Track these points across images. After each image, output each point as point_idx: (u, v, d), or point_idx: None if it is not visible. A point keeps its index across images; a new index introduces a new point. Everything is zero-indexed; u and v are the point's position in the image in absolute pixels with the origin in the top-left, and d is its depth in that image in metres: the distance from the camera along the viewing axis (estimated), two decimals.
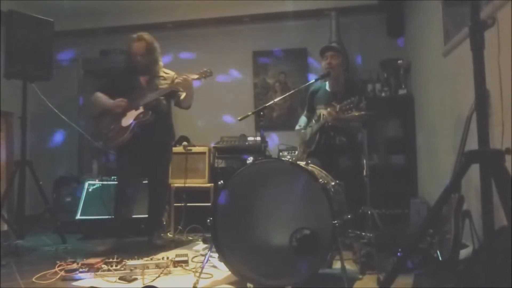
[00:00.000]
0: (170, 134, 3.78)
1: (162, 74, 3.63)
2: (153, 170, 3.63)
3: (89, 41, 5.62)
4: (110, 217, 3.75)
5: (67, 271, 2.56)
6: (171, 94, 3.57)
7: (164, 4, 5.14)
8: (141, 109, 3.43)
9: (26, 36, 3.66)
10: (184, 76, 3.41)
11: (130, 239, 3.77)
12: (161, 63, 3.66)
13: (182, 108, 3.68)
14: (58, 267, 2.63)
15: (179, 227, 4.16)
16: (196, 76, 3.43)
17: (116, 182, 3.77)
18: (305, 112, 3.76)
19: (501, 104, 2.07)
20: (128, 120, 3.42)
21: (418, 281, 2.26)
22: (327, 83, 3.60)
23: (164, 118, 3.62)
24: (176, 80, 3.45)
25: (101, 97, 3.54)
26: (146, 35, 3.57)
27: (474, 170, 1.62)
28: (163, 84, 3.56)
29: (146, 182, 3.73)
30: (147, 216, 3.76)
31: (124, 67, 3.71)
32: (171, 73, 3.67)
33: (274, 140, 4.79)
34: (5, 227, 3.82)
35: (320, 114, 3.41)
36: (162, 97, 3.53)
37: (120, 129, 3.43)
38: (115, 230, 3.51)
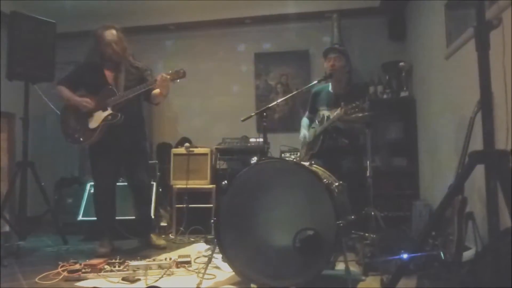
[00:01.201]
0: (142, 132, 3.62)
1: (131, 66, 3.49)
2: (132, 171, 3.54)
3: (89, 43, 5.62)
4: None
5: (70, 272, 2.55)
6: (144, 91, 3.37)
7: (166, 6, 5.15)
8: (109, 111, 3.29)
9: (28, 37, 3.66)
10: (163, 77, 3.18)
11: (129, 240, 3.77)
12: (130, 53, 3.51)
13: (153, 104, 3.57)
14: (60, 267, 2.62)
15: (181, 228, 4.16)
16: (169, 77, 3.20)
17: (94, 184, 3.64)
18: (307, 113, 3.76)
19: (506, 105, 2.08)
20: (96, 122, 3.29)
21: (422, 283, 2.26)
22: (329, 84, 3.60)
23: (135, 116, 3.49)
24: (158, 79, 3.20)
25: (64, 90, 3.39)
26: (114, 24, 3.45)
27: (477, 172, 1.62)
28: (132, 80, 3.41)
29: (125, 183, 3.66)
30: (134, 217, 3.69)
31: (90, 59, 3.49)
32: (140, 66, 3.53)
33: (275, 142, 4.77)
34: (7, 228, 3.82)
35: (323, 116, 3.41)
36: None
37: (86, 130, 3.31)
38: (107, 231, 3.45)
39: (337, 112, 3.12)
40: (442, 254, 2.49)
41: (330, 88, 3.58)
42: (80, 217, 4.20)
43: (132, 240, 3.78)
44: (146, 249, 3.47)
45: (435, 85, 3.84)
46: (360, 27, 5.12)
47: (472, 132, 2.51)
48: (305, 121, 3.73)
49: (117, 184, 3.59)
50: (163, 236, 4.10)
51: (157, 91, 3.34)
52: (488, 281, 1.59)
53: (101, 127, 3.28)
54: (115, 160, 3.44)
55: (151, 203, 3.90)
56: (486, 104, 1.58)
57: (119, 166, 3.52)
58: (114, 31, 3.41)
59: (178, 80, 3.24)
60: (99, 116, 3.30)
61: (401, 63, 4.60)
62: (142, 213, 3.64)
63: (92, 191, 4.30)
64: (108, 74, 3.42)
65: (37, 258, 3.28)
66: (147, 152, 3.74)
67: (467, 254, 2.46)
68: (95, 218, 3.57)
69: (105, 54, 3.40)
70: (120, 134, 3.33)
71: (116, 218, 3.60)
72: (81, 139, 3.32)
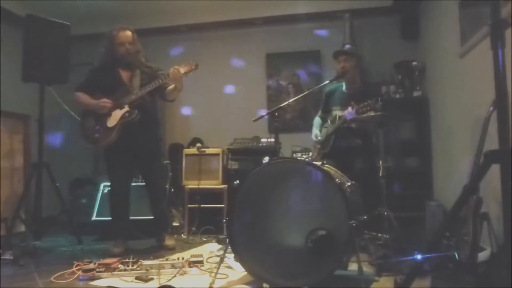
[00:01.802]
0: (158, 130, 3.67)
1: (145, 66, 3.53)
2: (147, 170, 3.58)
3: (104, 44, 5.68)
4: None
5: (84, 271, 2.58)
6: (158, 88, 3.41)
7: (177, 7, 5.18)
8: (126, 108, 3.34)
9: (43, 39, 3.72)
10: (175, 68, 3.23)
11: (142, 240, 3.80)
12: (143, 55, 3.55)
13: (167, 101, 3.60)
14: (75, 267, 2.66)
15: (193, 228, 4.18)
16: (185, 69, 3.22)
17: (109, 184, 3.66)
18: (319, 112, 3.75)
19: None
20: (114, 120, 3.34)
21: (436, 284, 2.24)
22: (343, 84, 3.58)
23: (150, 115, 3.51)
24: (170, 72, 3.25)
25: (81, 96, 3.44)
26: (128, 26, 3.49)
27: (492, 171, 1.60)
28: (146, 79, 3.43)
29: (142, 183, 3.69)
30: (153, 216, 3.72)
31: (105, 61, 3.53)
32: (153, 66, 3.57)
33: (287, 142, 4.76)
34: (22, 228, 3.88)
35: (335, 116, 3.40)
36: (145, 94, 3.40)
37: (106, 129, 3.35)
38: (121, 231, 3.47)
39: (348, 110, 3.11)
40: (456, 255, 2.46)
41: (344, 88, 3.57)
42: (94, 217, 4.24)
43: (145, 240, 3.80)
44: (158, 249, 3.49)
45: (448, 84, 3.80)
46: (372, 26, 5.09)
47: (487, 132, 2.48)
48: (317, 120, 3.72)
49: (132, 184, 3.63)
50: (175, 236, 4.12)
51: (171, 87, 3.38)
52: (503, 282, 1.57)
53: (119, 125, 3.33)
54: (131, 160, 3.48)
55: (166, 202, 3.93)
56: (501, 103, 1.56)
57: (134, 166, 3.57)
58: (128, 32, 3.45)
59: (191, 73, 3.25)
60: (117, 115, 3.35)
61: (414, 62, 4.56)
62: (159, 213, 3.67)
63: (105, 191, 4.36)
64: (123, 74, 3.47)
65: (52, 258, 3.32)
66: (162, 152, 3.76)
67: (482, 255, 2.43)
68: (109, 218, 3.60)
69: (119, 54, 3.43)
70: (136, 134, 3.37)
71: (130, 218, 3.62)
72: (101, 138, 3.36)
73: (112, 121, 3.34)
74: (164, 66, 4.02)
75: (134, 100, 3.34)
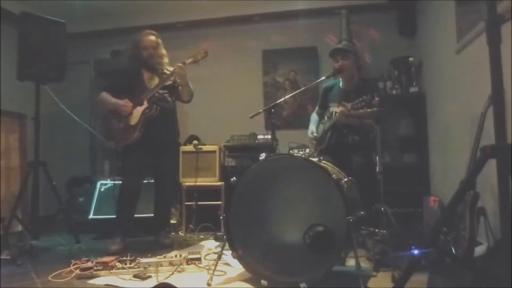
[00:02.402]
0: (175, 131, 3.78)
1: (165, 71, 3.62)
2: (161, 169, 3.64)
3: (100, 42, 5.68)
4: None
5: (82, 270, 2.58)
6: (174, 90, 3.57)
7: (174, 4, 5.17)
8: (145, 104, 3.43)
9: (38, 37, 3.68)
10: (179, 65, 3.39)
11: (139, 238, 3.79)
12: (167, 60, 3.67)
13: (183, 101, 3.69)
14: (73, 265, 2.65)
15: (191, 225, 4.17)
16: (190, 60, 3.40)
17: (121, 181, 3.70)
18: (316, 109, 3.74)
19: None
20: (135, 118, 3.43)
21: (433, 279, 2.25)
22: (340, 80, 3.58)
23: (169, 115, 3.62)
24: (175, 68, 3.41)
25: (106, 97, 3.54)
26: (153, 31, 3.63)
27: (489, 166, 1.60)
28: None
29: (152, 181, 3.74)
30: (153, 215, 3.75)
31: (129, 63, 3.69)
32: (172, 69, 3.63)
33: (284, 138, 4.76)
34: (19, 227, 3.86)
35: (332, 112, 3.40)
36: (166, 94, 3.53)
37: (129, 128, 3.44)
38: (121, 229, 3.47)
39: (340, 109, 3.12)
40: (453, 250, 2.47)
41: (341, 84, 3.57)
42: (91, 216, 4.23)
43: (144, 238, 3.80)
44: (156, 247, 3.49)
45: (445, 80, 3.80)
46: (369, 23, 5.08)
47: (483, 127, 2.49)
48: (314, 116, 3.72)
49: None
50: (172, 233, 4.12)
51: (181, 87, 3.52)
52: (500, 277, 1.57)
53: (141, 121, 3.42)
54: (147, 159, 3.56)
55: (172, 203, 3.96)
56: (497, 99, 1.56)
57: (148, 165, 3.62)
58: (152, 37, 3.59)
59: (201, 61, 3.42)
60: (137, 112, 3.44)
61: (411, 58, 4.56)
62: (162, 212, 3.71)
63: (102, 189, 4.35)
64: (145, 75, 3.58)
65: (50, 257, 3.32)
66: (177, 152, 3.81)
67: (479, 250, 2.44)
68: (106, 217, 3.60)
69: (142, 57, 3.54)
70: (156, 131, 3.46)
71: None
72: (126, 137, 3.44)
73: (134, 119, 3.43)
74: None
75: (152, 95, 3.43)
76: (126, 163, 3.58)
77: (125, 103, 3.45)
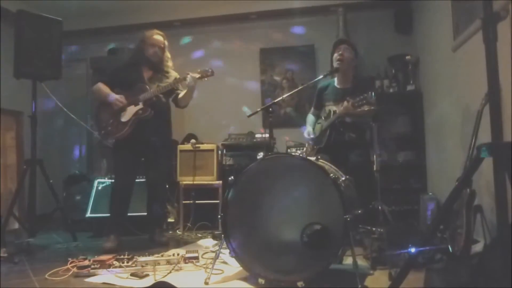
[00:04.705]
0: (168, 132, 3.77)
1: (166, 73, 3.65)
2: (152, 167, 3.61)
3: (97, 40, 5.66)
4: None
5: (79, 268, 2.57)
6: (170, 92, 3.58)
7: (171, 2, 5.15)
8: (140, 105, 3.42)
9: (35, 35, 3.68)
10: (192, 75, 3.41)
11: (136, 236, 3.79)
12: (171, 64, 3.70)
13: (179, 107, 3.69)
14: (70, 264, 2.64)
15: (188, 224, 4.18)
16: (198, 76, 3.42)
17: (113, 179, 3.71)
18: (312, 110, 3.74)
19: None
20: (128, 115, 3.43)
21: (430, 277, 2.25)
22: (335, 79, 3.58)
23: (163, 116, 3.61)
24: (187, 77, 3.41)
25: (102, 88, 3.53)
26: (161, 32, 3.66)
27: (485, 164, 1.61)
28: (164, 82, 3.55)
29: (143, 179, 3.73)
30: (146, 213, 3.74)
31: (132, 58, 3.69)
32: (174, 73, 3.67)
33: (282, 137, 4.76)
34: (16, 225, 3.86)
35: (329, 111, 3.40)
36: (161, 95, 3.53)
37: (119, 124, 3.44)
38: (114, 227, 3.47)
39: (344, 105, 3.12)
40: (450, 248, 2.48)
41: (336, 83, 3.57)
42: (88, 214, 4.22)
43: (139, 236, 3.80)
44: (152, 245, 3.49)
45: (442, 78, 3.81)
46: (366, 20, 5.08)
47: (480, 125, 2.49)
48: (310, 117, 3.72)
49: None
50: (170, 232, 4.13)
51: (183, 93, 3.54)
52: (496, 274, 1.58)
53: (132, 120, 3.42)
54: (138, 157, 3.56)
55: (165, 202, 3.96)
56: (493, 97, 1.57)
57: (140, 163, 3.62)
58: (160, 37, 3.61)
59: (206, 79, 3.44)
60: (131, 110, 3.44)
61: (408, 56, 4.57)
62: (154, 211, 3.69)
63: (100, 188, 4.35)
64: (145, 73, 3.57)
65: (47, 255, 3.31)
66: (170, 151, 3.81)
67: (476, 247, 2.45)
68: (103, 215, 3.59)
69: (146, 53, 3.54)
70: (147, 132, 3.45)
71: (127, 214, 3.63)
72: (113, 131, 3.45)
73: (126, 116, 3.43)
74: None
75: (149, 98, 3.42)
76: (119, 161, 3.57)
77: (120, 98, 3.44)
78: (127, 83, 3.51)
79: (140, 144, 3.48)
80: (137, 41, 3.72)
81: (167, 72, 3.65)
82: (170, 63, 3.68)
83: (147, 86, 3.46)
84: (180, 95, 3.57)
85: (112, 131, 3.45)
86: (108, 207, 3.63)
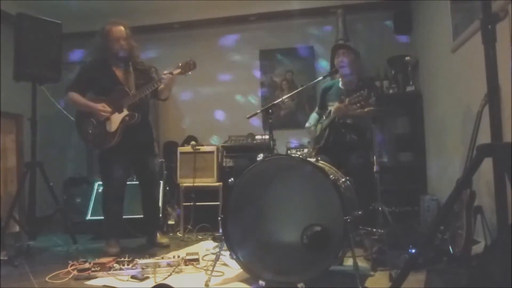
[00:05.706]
0: (151, 129, 3.62)
1: (139, 64, 3.49)
2: (143, 168, 3.53)
3: (96, 41, 5.64)
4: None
5: (79, 271, 2.57)
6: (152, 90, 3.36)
7: (170, 4, 5.16)
8: (125, 112, 3.27)
9: (34, 38, 3.68)
10: (169, 75, 3.22)
11: (136, 238, 3.79)
12: (138, 53, 3.50)
13: (161, 100, 3.57)
14: (70, 266, 2.64)
15: (189, 226, 4.17)
16: (178, 71, 3.21)
17: (103, 184, 3.58)
18: (316, 109, 3.74)
19: None
20: (114, 124, 3.27)
21: (430, 278, 2.25)
22: (340, 80, 3.58)
23: (145, 116, 3.47)
24: (165, 77, 3.24)
25: (77, 99, 3.33)
26: (121, 21, 3.42)
27: (485, 165, 1.61)
28: (141, 78, 3.39)
29: (135, 182, 3.68)
30: (143, 216, 3.69)
31: (98, 58, 3.44)
32: (145, 63, 3.52)
33: (282, 138, 4.76)
34: (16, 228, 3.85)
35: (330, 111, 3.40)
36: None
37: (106, 134, 3.27)
38: (114, 231, 3.40)
39: (336, 104, 3.12)
40: (450, 249, 2.48)
41: (340, 84, 3.56)
42: (88, 217, 4.22)
43: (140, 239, 3.79)
44: (153, 248, 3.48)
45: (441, 79, 3.81)
46: (365, 22, 5.08)
47: (479, 126, 2.49)
48: (313, 115, 3.70)
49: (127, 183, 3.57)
50: (170, 234, 4.13)
51: (162, 86, 3.33)
52: (497, 275, 1.58)
53: (120, 129, 3.27)
54: (127, 160, 3.42)
55: (159, 202, 3.92)
56: (493, 97, 1.57)
57: (130, 166, 3.51)
58: (121, 28, 3.37)
59: (190, 73, 3.23)
60: (117, 118, 3.28)
61: (407, 58, 4.57)
62: (150, 212, 3.65)
63: (100, 190, 4.34)
64: (118, 73, 3.39)
65: (47, 258, 3.31)
66: (156, 151, 3.71)
67: (476, 248, 2.45)
68: (103, 217, 3.55)
69: (112, 50, 3.35)
70: (132, 134, 3.32)
71: (124, 217, 3.59)
72: (102, 142, 3.29)
73: (113, 126, 3.27)
74: (158, 64, 4.02)
75: (133, 103, 3.27)
76: (105, 166, 3.41)
77: (102, 107, 3.26)
78: (102, 88, 3.33)
79: (128, 148, 3.34)
80: (97, 37, 3.44)
81: (141, 63, 3.48)
82: (137, 53, 3.47)
83: (126, 89, 3.29)
84: (160, 88, 3.36)
85: (99, 142, 3.30)
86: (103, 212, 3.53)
